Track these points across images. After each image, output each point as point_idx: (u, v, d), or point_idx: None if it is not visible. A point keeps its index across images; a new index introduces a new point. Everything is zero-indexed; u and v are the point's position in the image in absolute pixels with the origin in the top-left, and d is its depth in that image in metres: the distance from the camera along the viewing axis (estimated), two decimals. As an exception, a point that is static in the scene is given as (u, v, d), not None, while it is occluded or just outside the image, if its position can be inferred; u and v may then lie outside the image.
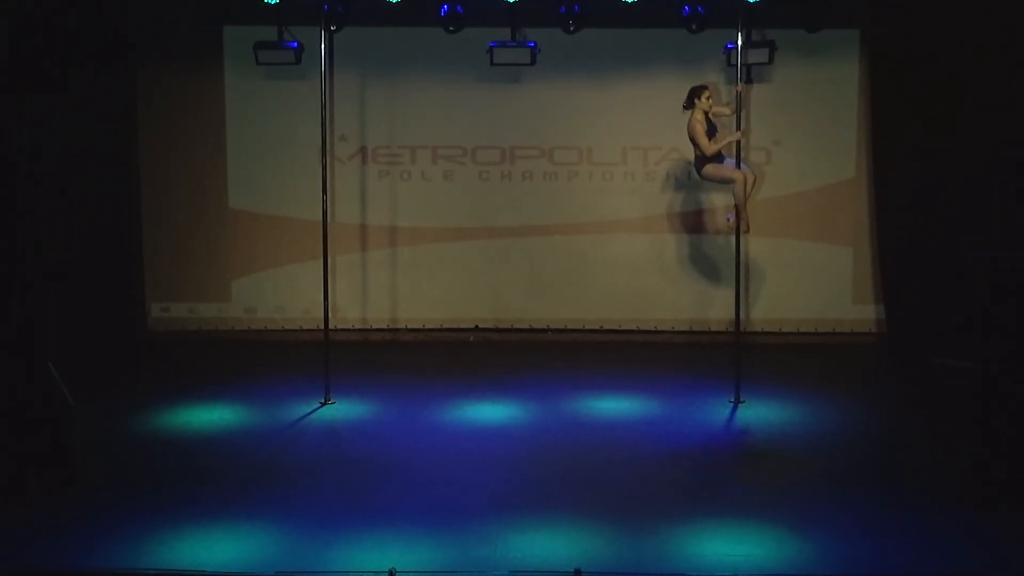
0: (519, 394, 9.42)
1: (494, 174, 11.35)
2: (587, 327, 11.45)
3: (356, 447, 8.17)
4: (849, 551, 6.27)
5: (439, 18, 10.51)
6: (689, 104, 9.18)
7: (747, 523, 6.64)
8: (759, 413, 8.90)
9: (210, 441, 8.26)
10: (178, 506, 6.85)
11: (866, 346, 11.09)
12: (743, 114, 9.78)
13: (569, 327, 11.45)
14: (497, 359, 10.78)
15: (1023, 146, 9.70)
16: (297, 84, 10.95)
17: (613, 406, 9.18)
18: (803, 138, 11.11)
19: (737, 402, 9.09)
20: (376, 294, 11.46)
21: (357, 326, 11.46)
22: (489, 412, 9.00)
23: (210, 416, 8.82)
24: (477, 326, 11.50)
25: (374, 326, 11.50)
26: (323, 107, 9.34)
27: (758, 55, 10.29)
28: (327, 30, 9.53)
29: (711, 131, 9.19)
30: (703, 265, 11.28)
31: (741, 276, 9.57)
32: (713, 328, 11.27)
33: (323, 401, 9.14)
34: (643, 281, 11.33)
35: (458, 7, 10.44)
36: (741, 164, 9.37)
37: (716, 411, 8.98)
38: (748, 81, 10.65)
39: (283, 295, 11.44)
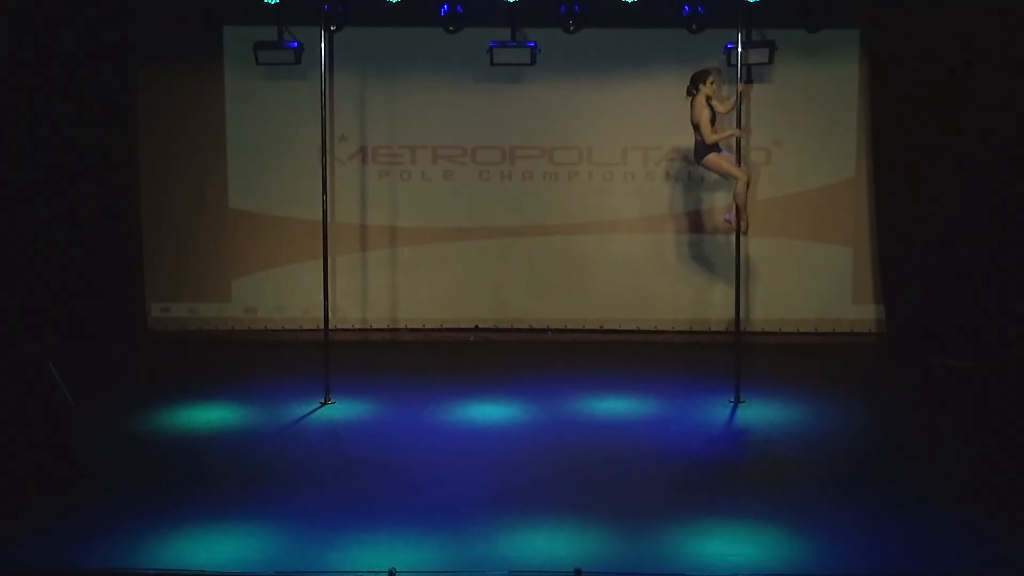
0: (519, 394, 9.41)
1: (494, 174, 11.35)
2: (587, 327, 11.45)
3: (356, 447, 8.17)
4: (849, 551, 6.26)
5: (439, 18, 10.52)
6: (694, 89, 9.14)
7: (747, 523, 6.63)
8: (759, 413, 8.90)
9: (210, 441, 8.25)
10: (178, 506, 6.85)
11: (866, 346, 11.10)
12: (743, 112, 9.76)
13: (569, 327, 11.45)
14: (497, 359, 10.78)
15: (1023, 146, 9.70)
16: (297, 84, 10.95)
17: (613, 406, 9.18)
18: (803, 138, 11.11)
19: (737, 402, 9.09)
20: (376, 294, 11.46)
21: (357, 326, 11.46)
22: (489, 412, 8.99)
23: (210, 416, 8.82)
24: (477, 326, 11.51)
25: (374, 326, 11.50)
26: (323, 107, 9.34)
27: (758, 55, 10.29)
28: (327, 30, 9.53)
29: (711, 120, 9.17)
30: (703, 265, 11.28)
31: (741, 276, 9.57)
32: (713, 328, 11.27)
33: (323, 401, 9.14)
34: (643, 281, 11.33)
35: (458, 7, 10.45)
36: (741, 164, 9.37)
37: (716, 411, 8.98)
38: (748, 81, 10.65)
39: (283, 295, 11.44)
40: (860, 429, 8.54)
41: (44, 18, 9.40)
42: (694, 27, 10.52)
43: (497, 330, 11.48)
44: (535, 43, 10.62)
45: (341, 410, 9.04)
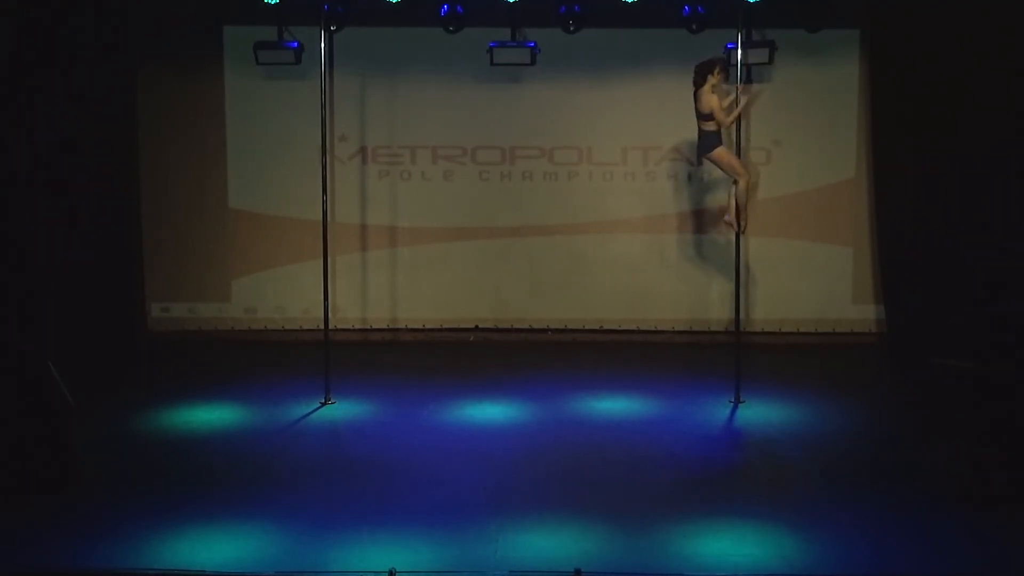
0: (519, 394, 9.41)
1: (494, 174, 11.36)
2: (587, 327, 11.45)
3: (356, 447, 8.17)
4: (849, 551, 6.26)
5: (439, 18, 10.52)
6: (702, 81, 9.05)
7: (747, 523, 6.63)
8: (759, 413, 8.90)
9: (210, 441, 8.25)
10: (178, 506, 6.84)
11: (866, 346, 11.10)
12: (743, 109, 9.76)
13: (569, 327, 11.45)
14: (497, 359, 10.78)
15: (1023, 146, 9.70)
16: (297, 84, 10.95)
17: (613, 406, 9.18)
18: (803, 138, 11.11)
19: (737, 402, 9.08)
20: (376, 294, 11.46)
21: (357, 326, 11.46)
22: (489, 412, 8.99)
23: (210, 416, 8.82)
24: (477, 326, 11.51)
25: (374, 326, 11.50)
26: (323, 107, 9.34)
27: (758, 55, 10.29)
28: (327, 30, 9.53)
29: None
30: (703, 265, 11.28)
31: (741, 276, 9.57)
32: (713, 328, 11.27)
33: (323, 401, 9.14)
34: (643, 281, 11.33)
35: (458, 7, 10.45)
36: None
37: (716, 411, 8.98)
38: (748, 81, 10.64)
39: (283, 295, 11.44)
40: (860, 429, 8.55)
41: (44, 18, 9.39)
42: (694, 27, 10.53)
43: (497, 330, 11.48)
44: (535, 43, 10.63)
45: (341, 410, 9.04)
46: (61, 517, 6.63)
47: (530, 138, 11.27)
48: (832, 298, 11.29)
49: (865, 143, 11.01)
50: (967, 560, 6.14)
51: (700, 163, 9.50)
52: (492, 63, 10.64)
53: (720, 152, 9.18)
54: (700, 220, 11.23)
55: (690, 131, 10.80)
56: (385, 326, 11.51)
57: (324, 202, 9.38)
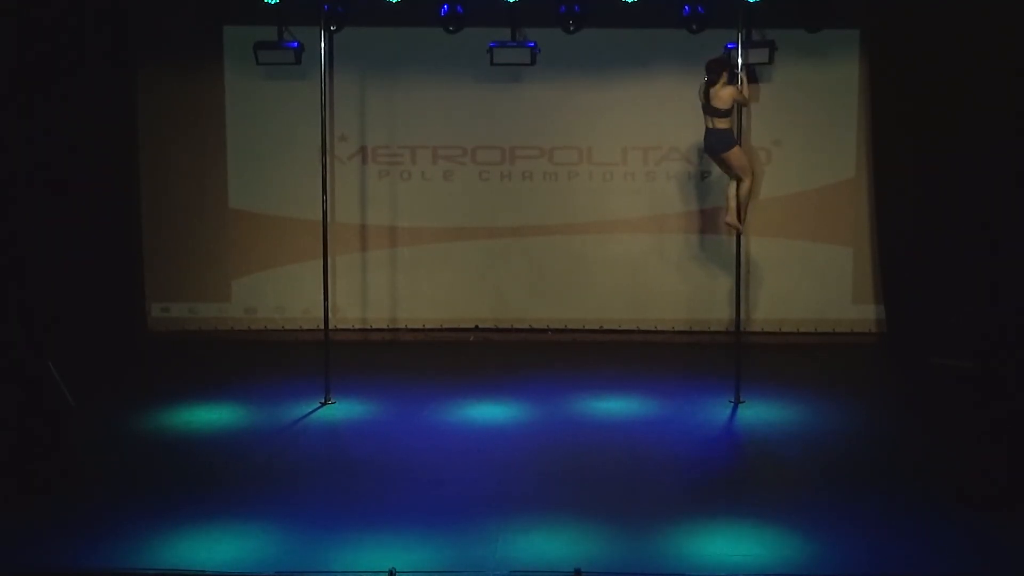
0: (519, 394, 9.41)
1: (494, 174, 11.36)
2: (587, 327, 11.45)
3: (356, 447, 8.17)
4: (849, 551, 6.26)
5: (439, 18, 10.52)
6: (717, 78, 9.01)
7: (747, 523, 6.63)
8: (759, 413, 8.90)
9: (210, 441, 8.25)
10: (178, 506, 6.84)
11: (866, 346, 11.10)
12: (742, 111, 9.77)
13: (569, 327, 11.45)
14: (497, 359, 10.78)
15: (1023, 146, 9.70)
16: (297, 84, 10.95)
17: (613, 406, 9.18)
18: (803, 138, 11.11)
19: (737, 402, 9.08)
20: (376, 294, 11.46)
21: (357, 326, 11.46)
22: (489, 412, 8.99)
23: (210, 416, 8.82)
24: (477, 326, 11.51)
25: (374, 326, 11.50)
26: (323, 107, 9.34)
27: (758, 55, 10.30)
28: (327, 30, 9.53)
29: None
30: (703, 265, 11.28)
31: (741, 276, 9.57)
32: (713, 328, 11.27)
33: (323, 401, 9.14)
34: (643, 281, 11.33)
35: (458, 7, 10.45)
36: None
37: (716, 411, 8.98)
38: (754, 81, 10.65)
39: (283, 295, 11.45)
40: (860, 429, 8.54)
41: (44, 18, 9.40)
42: (694, 27, 10.53)
43: (497, 330, 11.48)
44: (535, 43, 10.63)
45: (341, 410, 9.04)
46: (61, 517, 6.63)
47: (530, 138, 11.27)
48: (832, 298, 11.29)
49: (865, 143, 11.01)
50: (967, 560, 6.14)
51: (715, 160, 9.33)
52: (492, 63, 10.65)
53: (737, 151, 9.18)
54: (700, 220, 11.23)
55: (690, 131, 10.84)
56: (385, 326, 11.51)
57: (324, 202, 9.38)
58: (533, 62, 10.68)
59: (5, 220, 8.90)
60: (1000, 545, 6.31)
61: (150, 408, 8.94)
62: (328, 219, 9.46)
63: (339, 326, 11.04)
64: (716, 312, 11.22)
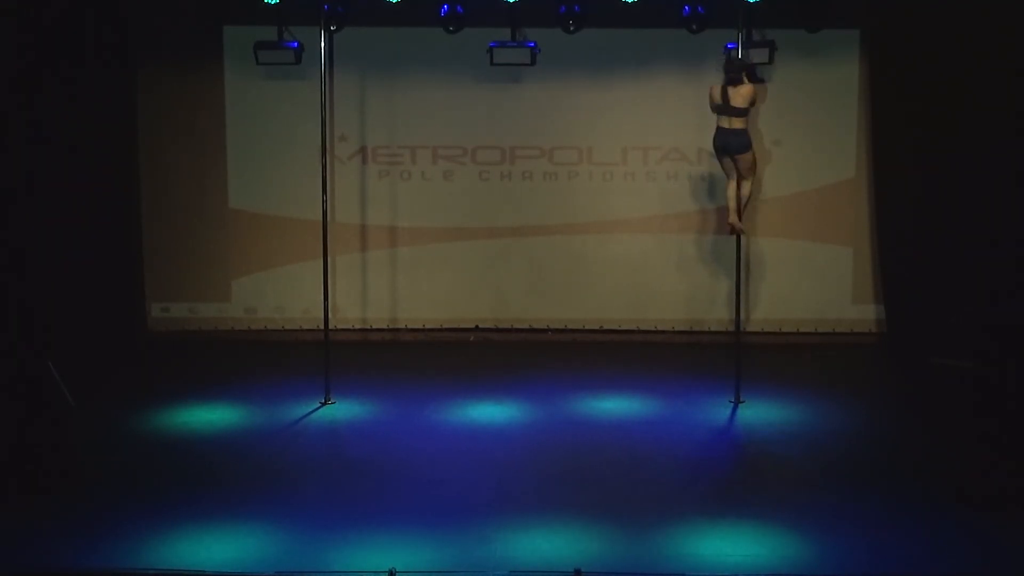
0: (519, 394, 9.42)
1: (494, 174, 11.35)
2: (587, 327, 11.45)
3: (356, 447, 8.17)
4: (849, 551, 6.27)
5: (439, 18, 10.51)
6: (739, 78, 9.06)
7: (747, 523, 6.64)
8: (759, 413, 8.90)
9: (210, 441, 8.25)
10: (178, 506, 6.85)
11: (866, 346, 11.09)
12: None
13: (569, 327, 11.45)
14: (497, 359, 10.78)
15: (1023, 146, 9.70)
16: (297, 84, 10.95)
17: (613, 406, 9.18)
18: (803, 138, 11.10)
19: (737, 402, 9.09)
20: (376, 294, 11.46)
21: (357, 326, 11.46)
22: (489, 412, 8.99)
23: (210, 416, 8.82)
24: (477, 326, 11.51)
25: (374, 326, 11.50)
26: (323, 107, 9.34)
27: (758, 55, 10.29)
28: (327, 30, 9.54)
29: None
30: (703, 265, 11.28)
31: (741, 276, 9.57)
32: (713, 328, 11.27)
33: (323, 401, 9.14)
34: (643, 281, 11.33)
35: (458, 7, 10.45)
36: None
37: (716, 411, 8.98)
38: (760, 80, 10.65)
39: (283, 295, 11.44)
40: (860, 429, 8.55)
41: (44, 18, 9.40)
42: (694, 27, 10.53)
43: (497, 330, 11.48)
44: (535, 43, 10.62)
45: (341, 410, 9.04)
46: (61, 517, 6.63)
47: (530, 138, 11.27)
48: (832, 298, 11.29)
49: (865, 143, 11.00)
50: (967, 560, 6.15)
51: (724, 160, 9.30)
52: (492, 63, 10.64)
53: (749, 157, 9.21)
54: (700, 220, 11.23)
55: (690, 131, 10.91)
56: (385, 326, 11.51)
57: (324, 202, 9.38)
58: (533, 62, 10.67)
59: (5, 220, 8.90)
60: (1000, 545, 6.32)
61: (150, 408, 8.94)
62: (328, 219, 9.46)
63: (339, 326, 11.04)
64: (716, 312, 11.22)
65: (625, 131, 11.20)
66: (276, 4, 10.20)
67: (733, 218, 9.34)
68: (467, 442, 8.22)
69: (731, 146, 9.16)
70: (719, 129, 9.15)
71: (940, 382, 9.62)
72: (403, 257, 11.42)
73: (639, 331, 11.41)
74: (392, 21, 10.79)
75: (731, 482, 7.53)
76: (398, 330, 11.50)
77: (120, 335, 10.60)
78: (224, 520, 6.70)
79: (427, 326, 11.50)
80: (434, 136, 11.28)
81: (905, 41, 10.37)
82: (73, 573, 5.95)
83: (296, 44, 10.56)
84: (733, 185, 9.36)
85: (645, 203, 11.27)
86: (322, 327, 9.51)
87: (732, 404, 9.08)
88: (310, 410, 9.00)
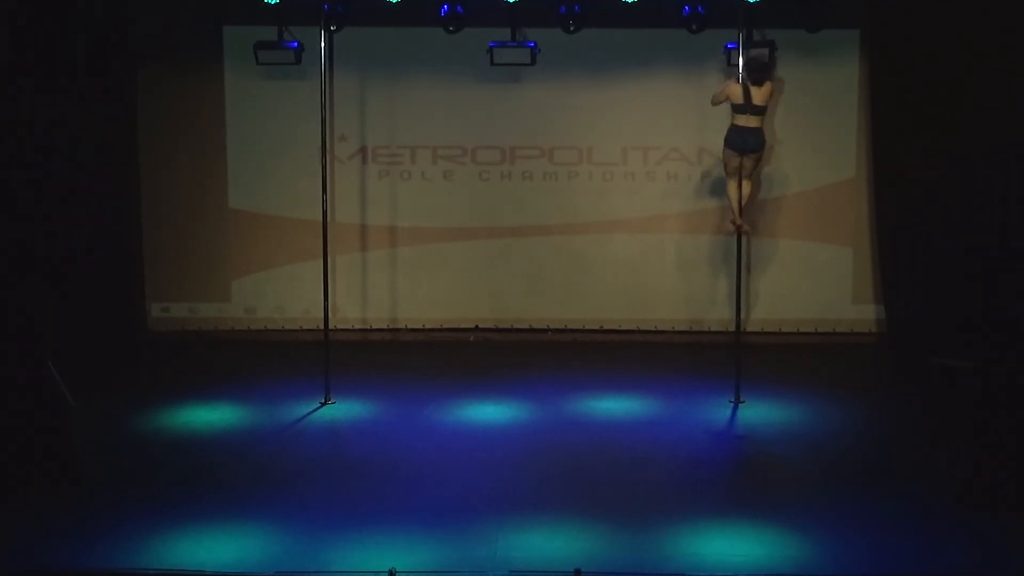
0: (519, 394, 9.41)
1: (494, 174, 11.35)
2: (587, 327, 11.45)
3: (356, 447, 8.17)
4: (849, 551, 6.27)
5: (439, 18, 10.52)
6: (765, 77, 9.23)
7: (747, 523, 6.64)
8: (759, 413, 8.90)
9: (210, 441, 8.26)
10: (178, 506, 6.85)
11: (866, 346, 11.09)
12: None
13: (569, 327, 11.44)
14: (497, 359, 10.78)
15: (1023, 146, 9.70)
16: (297, 84, 10.95)
17: (613, 406, 9.18)
18: (803, 138, 11.10)
19: (737, 402, 9.09)
20: (376, 294, 11.46)
21: (357, 326, 11.46)
22: (489, 412, 8.99)
23: (210, 416, 8.82)
24: (477, 326, 11.50)
25: (374, 326, 11.50)
26: (323, 107, 9.35)
27: (758, 55, 10.27)
28: (327, 30, 9.53)
29: None
30: (703, 265, 11.28)
31: (741, 276, 9.57)
32: (713, 328, 11.27)
33: (323, 401, 9.14)
34: (643, 281, 11.33)
35: (458, 7, 10.45)
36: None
37: (716, 411, 8.98)
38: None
39: (283, 295, 11.44)
40: (860, 429, 8.55)
41: (44, 18, 9.40)
42: (694, 27, 10.53)
43: (497, 330, 11.48)
44: (535, 43, 10.62)
45: (341, 410, 9.04)
46: (61, 517, 6.63)
47: (530, 138, 11.27)
48: (832, 298, 11.29)
49: (865, 143, 11.00)
50: (967, 560, 6.15)
51: (738, 159, 9.33)
52: (492, 63, 10.64)
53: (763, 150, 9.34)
54: (700, 220, 11.22)
55: (690, 131, 10.92)
56: (385, 326, 11.51)
57: (324, 202, 9.39)
58: (533, 62, 10.67)
59: (5, 220, 8.90)
60: (1000, 545, 6.32)
61: (150, 408, 8.94)
62: (328, 219, 9.47)
63: (339, 326, 11.04)
64: (716, 312, 11.22)
65: (625, 131, 11.20)
66: (276, 4, 10.20)
67: (739, 219, 9.35)
68: (467, 442, 8.23)
69: (751, 144, 9.21)
70: (738, 128, 9.17)
71: (940, 382, 9.61)
72: (403, 257, 11.42)
73: (639, 331, 11.41)
74: (392, 21, 10.79)
75: (731, 482, 7.54)
76: (398, 330, 11.50)
77: (120, 335, 10.60)
78: (224, 520, 6.70)
79: (427, 326, 11.50)
80: (434, 136, 11.28)
81: (905, 41, 10.37)
82: (73, 573, 5.95)
83: (296, 44, 10.56)
84: (735, 185, 9.37)
85: (645, 203, 11.27)
86: (322, 327, 9.51)
87: (732, 404, 9.08)
88: (310, 410, 9.00)
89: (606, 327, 11.44)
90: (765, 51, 10.05)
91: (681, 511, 6.88)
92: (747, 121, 9.13)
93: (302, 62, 10.63)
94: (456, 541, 6.39)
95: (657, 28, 10.84)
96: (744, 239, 9.65)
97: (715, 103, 9.47)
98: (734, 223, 9.43)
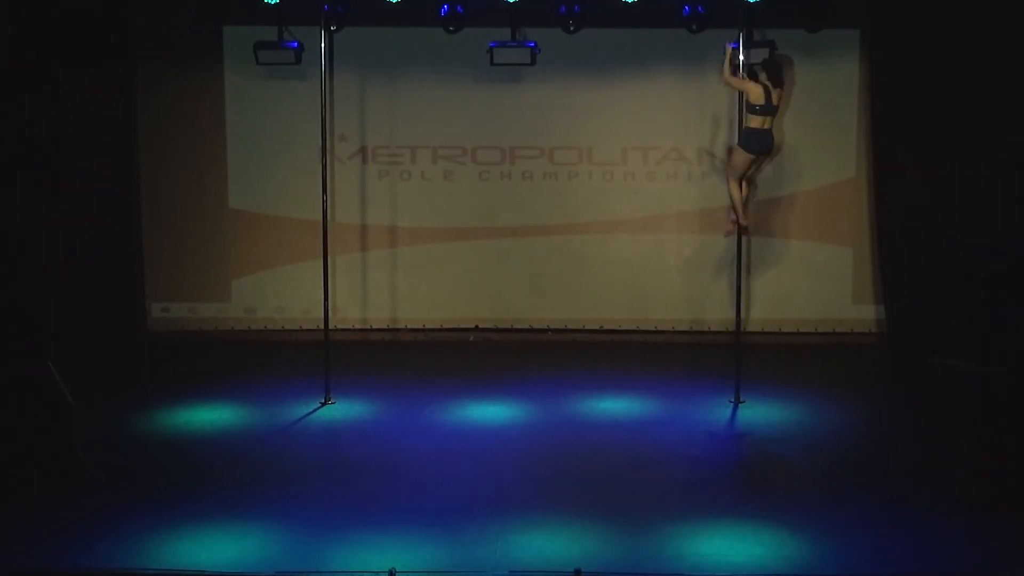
0: (519, 394, 9.42)
1: (494, 174, 11.35)
2: (587, 327, 11.45)
3: (356, 447, 8.18)
4: (849, 551, 6.27)
5: (439, 18, 10.51)
6: (781, 79, 9.27)
7: (747, 523, 6.64)
8: (759, 413, 8.90)
9: (210, 441, 8.26)
10: (178, 506, 6.85)
11: (866, 346, 11.09)
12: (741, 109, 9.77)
13: (569, 327, 11.44)
14: (497, 359, 10.78)
15: (1023, 146, 9.70)
16: (297, 84, 10.95)
17: (613, 406, 9.18)
18: (803, 138, 11.10)
19: (737, 402, 9.09)
20: (376, 294, 11.45)
21: (357, 326, 11.45)
22: (489, 412, 9.00)
23: (210, 416, 8.82)
24: (477, 326, 11.50)
25: (374, 326, 11.50)
26: (323, 107, 9.35)
27: (758, 55, 10.27)
28: (327, 30, 9.53)
29: None
30: (703, 265, 11.27)
31: (741, 276, 9.56)
32: (713, 328, 11.27)
33: (323, 401, 9.14)
34: (643, 281, 11.33)
35: (458, 7, 10.45)
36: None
37: (716, 411, 8.98)
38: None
39: (283, 295, 11.44)
40: (860, 429, 8.55)
41: (44, 18, 9.40)
42: (694, 27, 10.52)
43: (497, 330, 11.48)
44: (535, 43, 10.62)
45: (341, 410, 9.04)
46: (61, 517, 6.64)
47: (530, 138, 11.26)
48: (832, 298, 11.28)
49: (865, 143, 11.00)
50: (967, 560, 6.15)
51: (752, 161, 9.35)
52: (492, 63, 10.63)
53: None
54: (700, 220, 11.21)
55: (690, 131, 10.92)
56: (385, 326, 11.50)
57: (324, 202, 9.39)
58: (533, 62, 10.67)
59: (5, 220, 8.90)
60: (1000, 545, 6.32)
61: (150, 408, 8.95)
62: (328, 219, 9.47)
63: (339, 326, 11.03)
64: (716, 312, 11.21)
65: (625, 131, 11.20)
66: (276, 4, 10.19)
67: (743, 219, 9.36)
68: (467, 442, 8.23)
69: (767, 146, 9.25)
70: (756, 131, 9.12)
71: (940, 382, 9.61)
72: (403, 257, 11.42)
73: (639, 331, 11.40)
74: (392, 21, 10.79)
75: (731, 482, 7.54)
76: (398, 330, 11.50)
77: (120, 335, 10.61)
78: (224, 520, 6.70)
79: (427, 326, 11.50)
80: (434, 136, 11.27)
81: (905, 41, 10.36)
82: (73, 573, 5.95)
83: (296, 44, 10.56)
84: (736, 185, 9.37)
85: (645, 203, 11.27)
86: (322, 327, 9.51)
87: (732, 404, 9.08)
88: (310, 410, 9.00)
89: (606, 327, 11.44)
90: (779, 53, 10.02)
91: (681, 511, 6.88)
92: (764, 123, 9.13)
93: (302, 62, 10.62)
94: (456, 541, 6.39)
95: (657, 28, 10.83)
96: (744, 239, 9.64)
97: (724, 82, 9.35)
98: (737, 223, 9.42)
